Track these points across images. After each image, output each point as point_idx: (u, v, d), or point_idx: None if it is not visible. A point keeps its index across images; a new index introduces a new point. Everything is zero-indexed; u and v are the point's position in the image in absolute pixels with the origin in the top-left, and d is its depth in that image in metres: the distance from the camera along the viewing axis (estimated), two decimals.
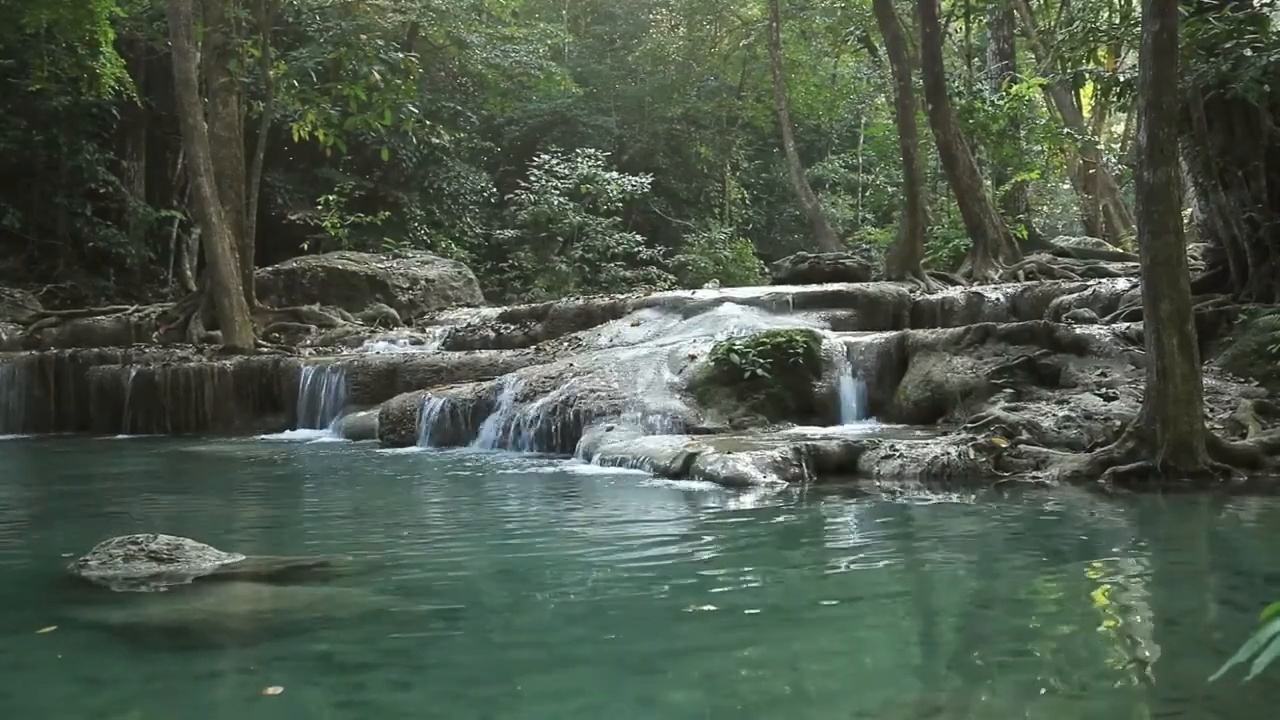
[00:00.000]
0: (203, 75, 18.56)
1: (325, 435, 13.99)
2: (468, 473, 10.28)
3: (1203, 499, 7.77)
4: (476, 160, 29.30)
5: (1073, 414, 9.34)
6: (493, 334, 17.12)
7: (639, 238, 26.84)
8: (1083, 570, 5.91)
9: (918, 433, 10.07)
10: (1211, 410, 8.97)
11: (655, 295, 17.98)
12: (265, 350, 16.80)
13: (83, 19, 19.06)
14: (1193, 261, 11.34)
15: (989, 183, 21.33)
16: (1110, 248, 21.40)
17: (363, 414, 13.68)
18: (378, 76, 19.81)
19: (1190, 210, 13.57)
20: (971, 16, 23.99)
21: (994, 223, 18.78)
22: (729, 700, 3.77)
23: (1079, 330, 11.45)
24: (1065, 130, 22.54)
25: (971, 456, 8.61)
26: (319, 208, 23.69)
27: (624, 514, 7.93)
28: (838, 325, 14.61)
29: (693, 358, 12.05)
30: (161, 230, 23.47)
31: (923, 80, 19.07)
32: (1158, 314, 8.16)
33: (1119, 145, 28.47)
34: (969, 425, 9.40)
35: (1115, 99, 14.01)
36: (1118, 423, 8.84)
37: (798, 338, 11.84)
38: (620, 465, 9.78)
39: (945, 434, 9.51)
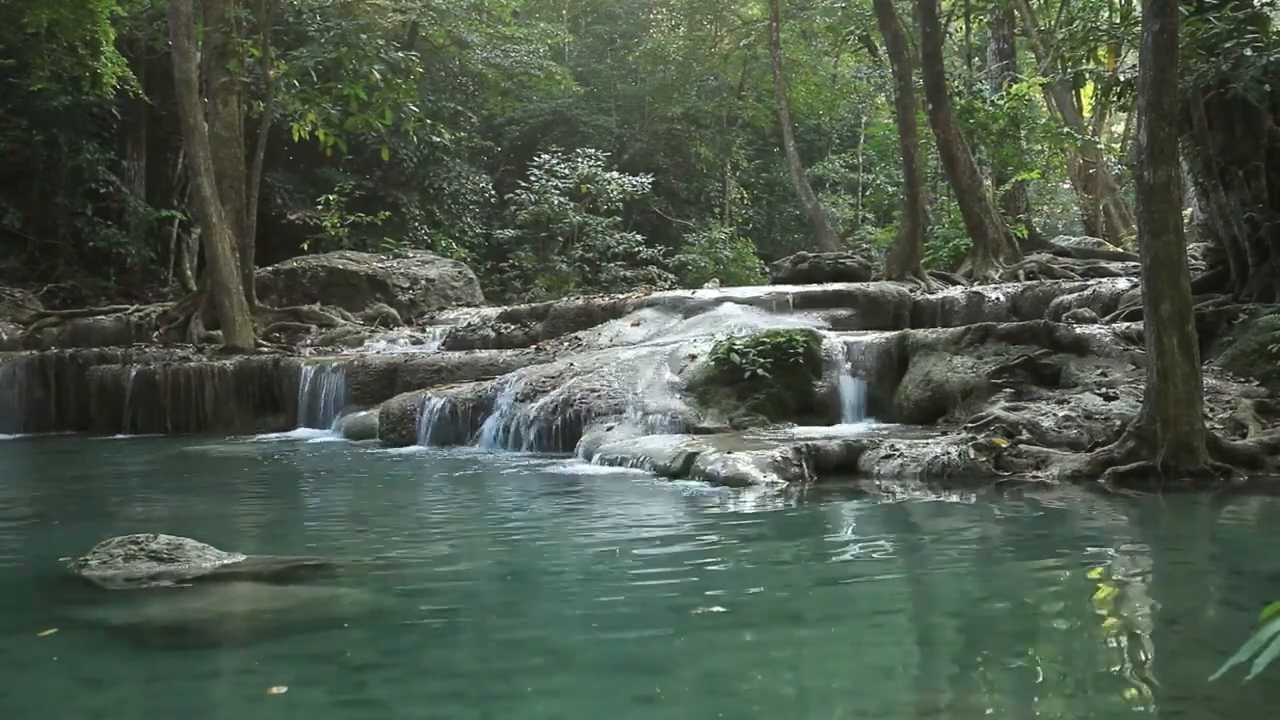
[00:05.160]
0: (203, 75, 18.56)
1: (325, 435, 13.98)
2: (468, 472, 10.28)
3: (1203, 499, 7.77)
4: (476, 160, 29.30)
5: (1073, 414, 9.34)
6: (493, 334, 17.11)
7: (639, 237, 26.83)
8: (1083, 570, 5.91)
9: (918, 432, 10.06)
10: (1212, 410, 8.96)
11: (655, 295, 17.96)
12: (266, 350, 16.79)
13: (83, 19, 19.05)
14: (1193, 261, 11.33)
15: (989, 183, 21.32)
16: (1110, 248, 21.40)
17: (363, 414, 13.67)
18: (378, 76, 19.82)
19: (1190, 210, 13.56)
20: (971, 16, 24.01)
21: (994, 222, 18.77)
22: (729, 700, 3.77)
23: (1079, 330, 11.44)
24: (1065, 130, 22.53)
25: (972, 456, 8.61)
26: (319, 207, 23.69)
27: (624, 514, 7.92)
28: (838, 325, 14.60)
29: (693, 357, 12.05)
30: (162, 230, 23.47)
31: (923, 80, 19.06)
32: (1158, 314, 8.16)
33: (1119, 145, 28.49)
34: (969, 425, 9.40)
35: (1115, 99, 14.00)
36: (1118, 422, 8.84)
37: (798, 337, 11.83)
38: (620, 465, 9.78)
39: (945, 434, 9.51)
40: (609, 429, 10.73)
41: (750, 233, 31.88)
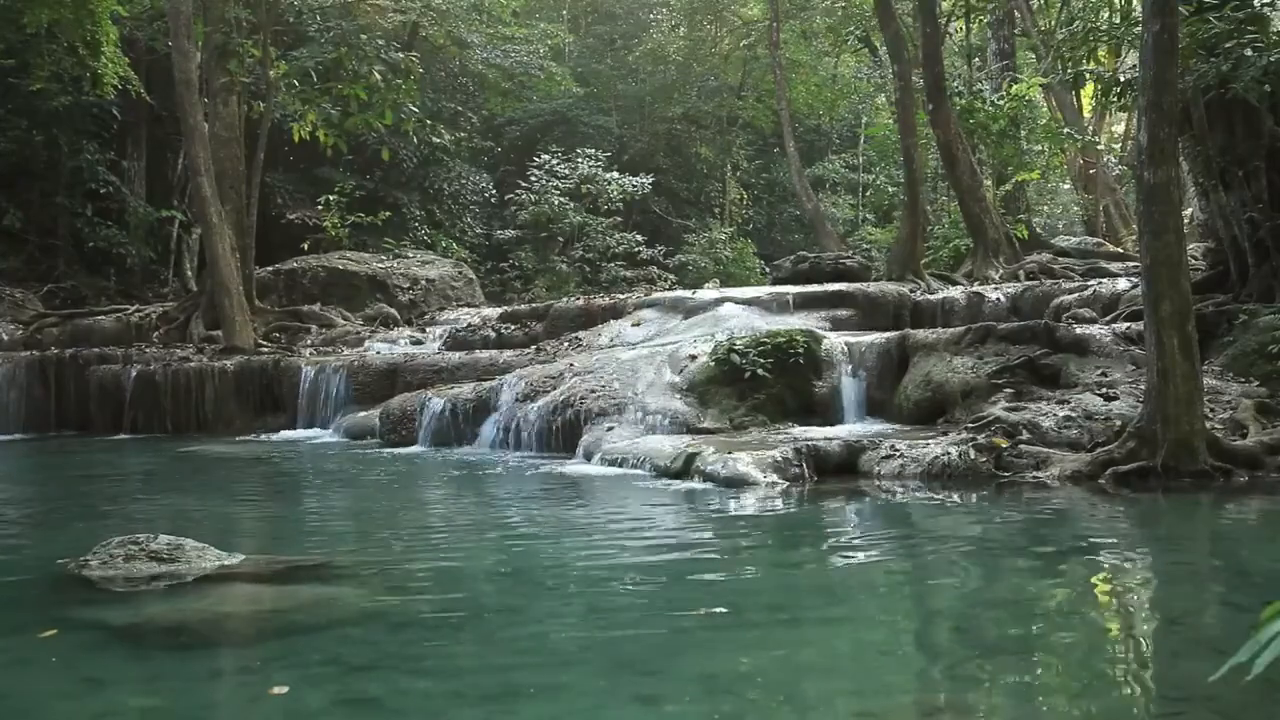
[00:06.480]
0: (203, 75, 18.55)
1: (326, 435, 13.98)
2: (468, 473, 10.28)
3: (1203, 499, 7.77)
4: (477, 160, 29.29)
5: (1073, 414, 9.34)
6: (493, 334, 17.12)
7: (639, 238, 26.83)
8: (1083, 570, 5.91)
9: (918, 433, 10.06)
10: (1212, 410, 8.96)
11: (656, 295, 17.97)
12: (266, 350, 16.80)
13: (84, 19, 19.04)
14: (1193, 261, 11.33)
15: (989, 183, 21.31)
16: (1110, 248, 21.37)
17: (363, 414, 13.68)
18: (378, 76, 19.81)
19: (1190, 210, 13.55)
20: (972, 16, 23.98)
21: (994, 223, 18.76)
22: (729, 700, 3.77)
23: (1079, 330, 11.44)
24: (1065, 130, 22.52)
25: (972, 456, 8.61)
26: (319, 208, 23.68)
27: (624, 514, 7.92)
28: (838, 325, 14.59)
29: (693, 358, 12.05)
30: (162, 230, 23.46)
31: (923, 80, 19.06)
32: (1158, 314, 8.16)
33: (1119, 145, 28.45)
34: (969, 425, 9.40)
35: (1115, 99, 13.97)
36: (1118, 423, 8.84)
37: (798, 338, 11.83)
38: (621, 465, 9.78)
39: (945, 434, 9.51)
40: (609, 429, 10.73)
41: (750, 233, 31.86)
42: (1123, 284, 14.25)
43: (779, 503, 8.00)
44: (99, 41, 19.46)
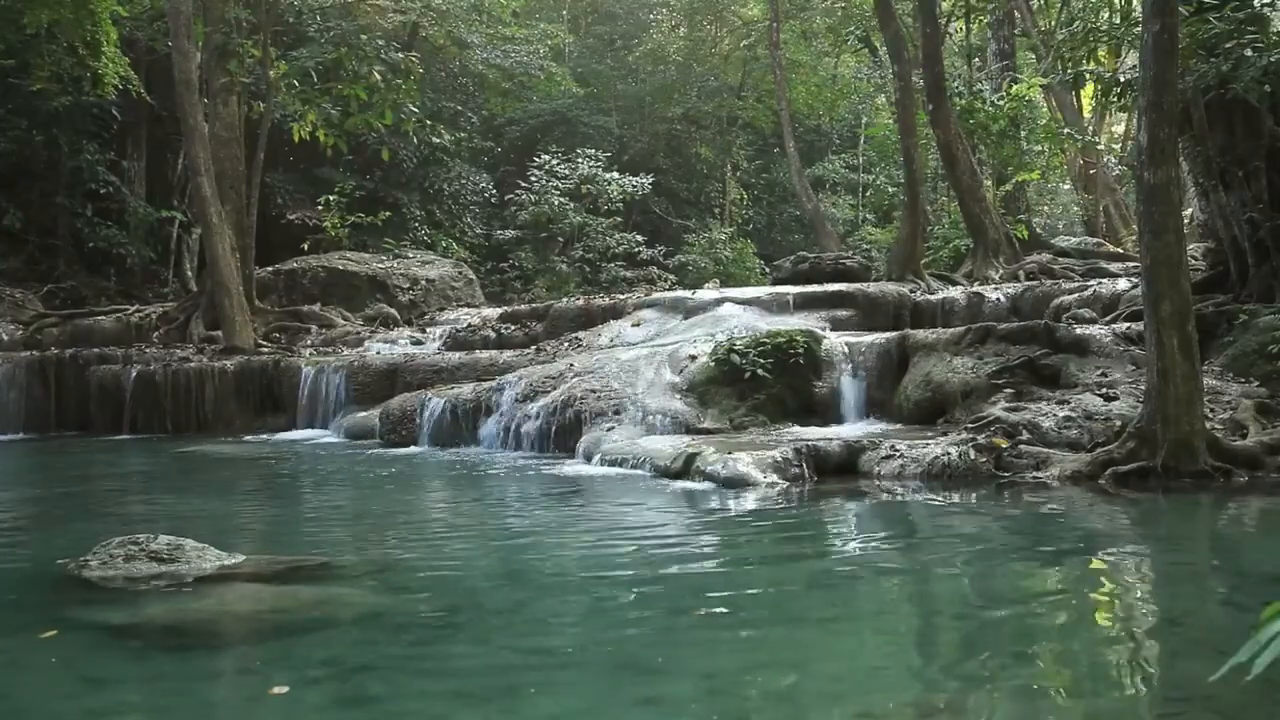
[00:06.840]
0: (203, 75, 18.56)
1: (326, 435, 13.99)
2: (468, 473, 10.28)
3: (1203, 499, 7.77)
4: (477, 160, 29.30)
5: (1073, 414, 9.34)
6: (493, 334, 17.11)
7: (639, 238, 26.83)
8: (1083, 570, 5.91)
9: (918, 433, 10.06)
10: (1212, 410, 8.96)
11: (656, 295, 17.97)
12: (266, 350, 16.80)
13: (84, 19, 19.05)
14: (1193, 261, 11.32)
15: (989, 183, 21.31)
16: (1110, 248, 21.38)
17: (363, 414, 13.68)
18: (378, 76, 19.82)
19: (1190, 210, 13.54)
20: (972, 16, 23.99)
21: (994, 223, 18.76)
22: (729, 700, 3.77)
23: (1079, 330, 11.44)
24: (1065, 130, 22.52)
25: (972, 457, 8.61)
26: (319, 208, 23.68)
27: (624, 514, 7.93)
28: (838, 325, 14.59)
29: (693, 358, 12.05)
30: (162, 230, 23.47)
31: (923, 80, 19.06)
32: (1158, 314, 8.16)
33: (1119, 145, 28.45)
34: (969, 425, 9.39)
35: (1115, 99, 13.98)
36: (1118, 423, 8.84)
37: (798, 338, 11.83)
38: (621, 465, 9.78)
39: (945, 434, 9.51)
40: (609, 429, 10.73)
41: (750, 233, 31.86)
42: (1123, 284, 14.25)
43: (779, 503, 8.00)
44: (99, 41, 19.46)
